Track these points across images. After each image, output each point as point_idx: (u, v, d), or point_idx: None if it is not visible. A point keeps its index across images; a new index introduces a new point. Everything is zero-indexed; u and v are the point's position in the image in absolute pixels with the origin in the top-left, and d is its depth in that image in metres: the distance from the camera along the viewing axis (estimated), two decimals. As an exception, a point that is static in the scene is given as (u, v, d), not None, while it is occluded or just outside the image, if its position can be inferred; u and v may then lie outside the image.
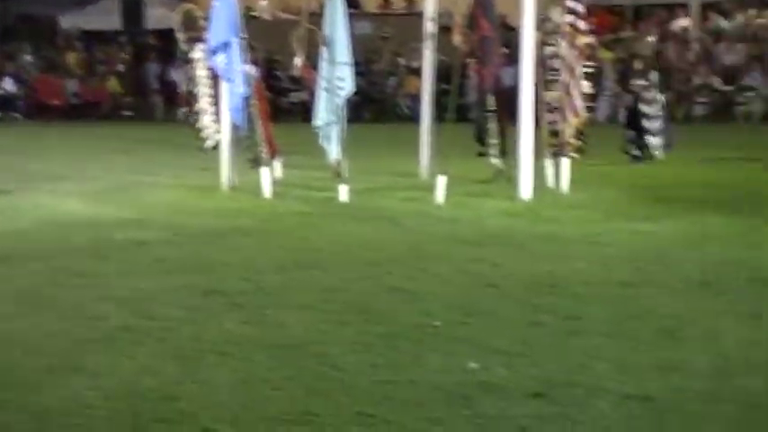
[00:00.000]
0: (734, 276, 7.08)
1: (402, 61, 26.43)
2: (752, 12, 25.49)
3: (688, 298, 6.54)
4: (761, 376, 4.90)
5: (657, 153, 15.05)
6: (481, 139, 12.57)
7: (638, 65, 15.55)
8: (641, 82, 15.24)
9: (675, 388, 4.74)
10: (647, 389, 4.72)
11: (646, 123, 15.09)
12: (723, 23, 25.74)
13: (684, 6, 26.36)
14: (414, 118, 16.16)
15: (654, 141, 15.09)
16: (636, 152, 15.04)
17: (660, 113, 15.28)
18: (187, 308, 6.38)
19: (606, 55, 23.17)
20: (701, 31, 25.69)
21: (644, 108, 15.12)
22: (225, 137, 12.61)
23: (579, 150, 12.03)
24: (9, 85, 28.72)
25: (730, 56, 24.37)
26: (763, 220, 9.36)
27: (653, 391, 4.68)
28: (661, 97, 15.48)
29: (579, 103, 11.97)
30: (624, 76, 16.12)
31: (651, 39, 17.53)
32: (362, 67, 23.34)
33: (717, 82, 23.80)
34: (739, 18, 25.65)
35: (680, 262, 7.62)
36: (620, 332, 5.72)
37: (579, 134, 12.04)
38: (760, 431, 4.23)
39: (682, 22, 25.81)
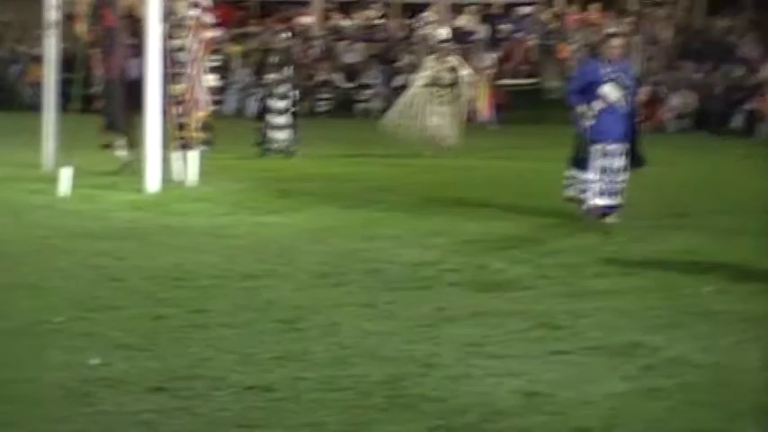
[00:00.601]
0: (352, 268, 7.40)
1: (24, 48, 25.55)
2: (369, 13, 26.52)
3: (309, 289, 6.78)
4: (376, 364, 5.16)
5: (287, 147, 15.35)
6: (115, 128, 12.37)
7: (272, 59, 15.81)
8: (274, 76, 15.50)
9: (294, 377, 4.91)
10: (268, 379, 4.87)
11: (276, 118, 15.35)
12: (344, 23, 26.62)
13: (308, 4, 27.03)
14: (37, 107, 15.68)
15: (283, 136, 15.38)
16: (266, 146, 15.29)
17: (291, 108, 15.58)
18: None
19: (234, 49, 23.39)
20: (324, 30, 26.44)
21: (275, 103, 15.39)
22: None
23: (206, 143, 12.12)
24: None
25: (351, 54, 25.26)
26: (378, 214, 9.82)
27: (273, 382, 4.83)
28: (294, 93, 15.78)
29: (204, 97, 12.06)
30: (257, 71, 16.31)
31: (285, 34, 17.82)
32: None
33: (338, 79, 24.59)
34: (358, 19, 26.62)
35: (302, 254, 7.87)
36: (242, 324, 5.85)
37: (206, 127, 12.12)
38: (372, 416, 4.46)
39: (304, 20, 26.45)
